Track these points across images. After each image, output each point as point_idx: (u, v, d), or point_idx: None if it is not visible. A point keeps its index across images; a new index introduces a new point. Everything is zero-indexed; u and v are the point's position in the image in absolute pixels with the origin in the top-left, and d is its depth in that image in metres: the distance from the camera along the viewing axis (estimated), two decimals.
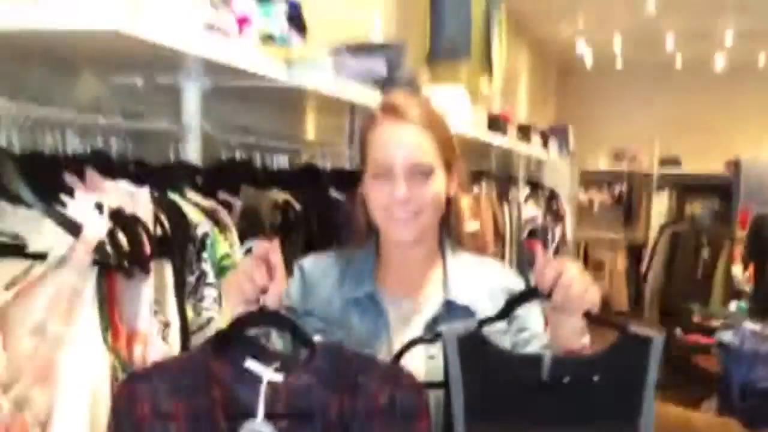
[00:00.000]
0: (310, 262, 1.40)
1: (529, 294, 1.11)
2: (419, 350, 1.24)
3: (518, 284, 1.37)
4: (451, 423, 1.07)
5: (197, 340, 1.38)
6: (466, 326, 1.10)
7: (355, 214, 1.38)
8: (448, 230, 1.40)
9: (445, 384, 1.08)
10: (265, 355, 1.00)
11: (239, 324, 1.03)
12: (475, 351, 1.08)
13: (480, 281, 1.35)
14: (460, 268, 1.37)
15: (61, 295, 1.12)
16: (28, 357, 1.11)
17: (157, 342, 1.26)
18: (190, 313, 1.38)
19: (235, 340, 1.02)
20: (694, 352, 5.01)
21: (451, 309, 1.31)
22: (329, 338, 1.23)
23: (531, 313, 1.33)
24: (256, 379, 0.97)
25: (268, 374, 0.97)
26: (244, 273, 1.10)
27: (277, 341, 1.18)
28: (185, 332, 1.34)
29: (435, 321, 1.29)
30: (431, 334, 1.16)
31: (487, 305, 1.28)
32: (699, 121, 7.59)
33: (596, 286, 1.09)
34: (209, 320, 1.41)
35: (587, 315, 1.09)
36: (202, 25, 1.33)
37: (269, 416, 0.95)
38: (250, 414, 0.95)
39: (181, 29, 1.25)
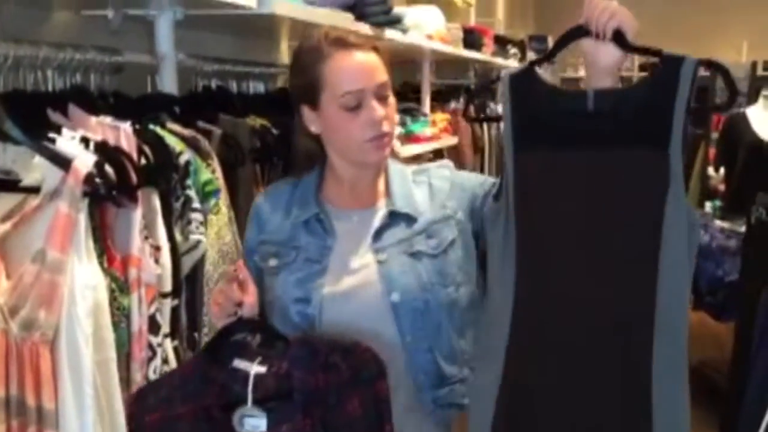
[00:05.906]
0: (262, 198, 1.48)
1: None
2: (369, 256, 1.34)
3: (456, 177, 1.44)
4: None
5: (187, 261, 1.48)
6: (520, 66, 1.20)
7: (296, 144, 1.44)
8: None
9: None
10: (249, 354, 1.19)
11: (225, 333, 1.22)
12: (525, 87, 1.19)
13: (417, 185, 1.42)
14: (400, 176, 1.42)
15: (56, 225, 1.18)
16: (31, 283, 1.17)
17: (150, 264, 1.34)
18: (178, 237, 1.45)
19: (223, 346, 1.21)
20: None
21: (393, 218, 1.37)
22: (283, 260, 1.36)
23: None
24: (245, 374, 1.16)
25: (254, 368, 1.16)
26: (220, 292, 1.28)
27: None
28: (175, 254, 1.42)
29: (380, 231, 1.36)
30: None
31: (426, 208, 1.38)
32: (680, 24, 7.54)
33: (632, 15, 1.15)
34: (197, 243, 1.48)
35: (620, 39, 1.16)
36: None
37: (258, 401, 1.15)
38: (244, 403, 1.15)
39: None
